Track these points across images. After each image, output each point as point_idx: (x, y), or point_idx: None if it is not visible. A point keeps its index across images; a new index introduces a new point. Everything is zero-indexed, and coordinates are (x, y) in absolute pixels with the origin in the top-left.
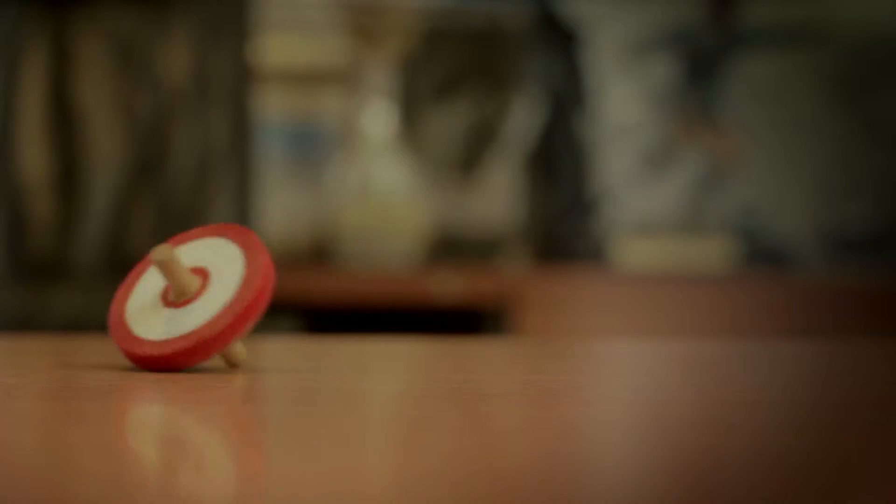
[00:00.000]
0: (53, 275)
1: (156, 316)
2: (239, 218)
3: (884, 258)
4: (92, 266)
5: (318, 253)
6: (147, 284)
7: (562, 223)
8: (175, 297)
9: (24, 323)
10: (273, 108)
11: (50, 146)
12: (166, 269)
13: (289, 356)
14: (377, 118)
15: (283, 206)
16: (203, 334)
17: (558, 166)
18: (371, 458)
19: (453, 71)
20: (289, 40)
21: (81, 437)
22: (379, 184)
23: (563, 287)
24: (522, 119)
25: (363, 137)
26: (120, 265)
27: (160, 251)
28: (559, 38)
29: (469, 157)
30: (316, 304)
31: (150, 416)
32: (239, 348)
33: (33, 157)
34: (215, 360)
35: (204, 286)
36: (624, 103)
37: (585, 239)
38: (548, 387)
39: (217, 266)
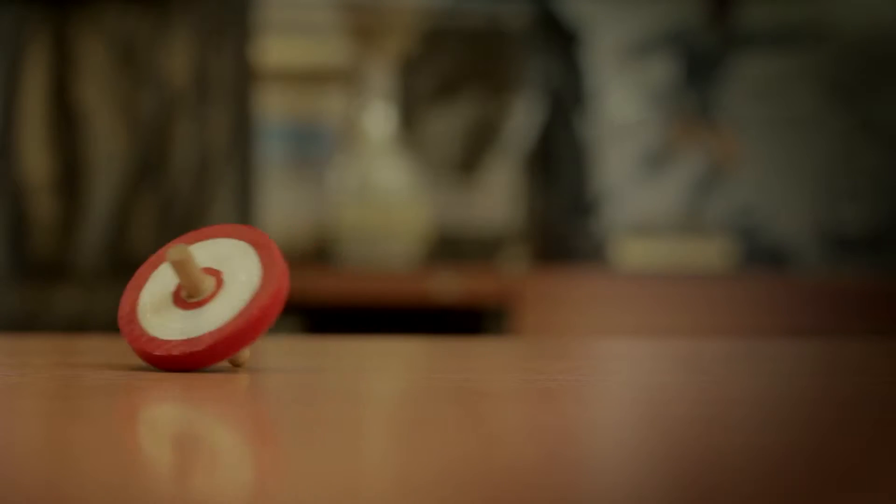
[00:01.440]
0: (55, 274)
1: (169, 315)
2: (240, 218)
3: (883, 257)
4: (93, 266)
5: (318, 253)
6: (158, 282)
7: (561, 223)
8: (187, 297)
9: (26, 322)
10: (274, 108)
11: (51, 146)
12: (181, 268)
13: (289, 356)
14: (377, 118)
15: (283, 206)
16: (223, 334)
17: (558, 166)
18: (371, 458)
19: (453, 71)
20: (290, 41)
21: (84, 436)
22: (379, 184)
23: (562, 286)
24: (522, 119)
25: (363, 138)
26: (121, 265)
27: (176, 251)
28: (559, 38)
29: (469, 158)
30: (316, 303)
31: (153, 415)
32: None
33: (35, 158)
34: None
35: (218, 288)
36: (623, 103)
37: (585, 239)
38: (548, 386)
39: (231, 268)
